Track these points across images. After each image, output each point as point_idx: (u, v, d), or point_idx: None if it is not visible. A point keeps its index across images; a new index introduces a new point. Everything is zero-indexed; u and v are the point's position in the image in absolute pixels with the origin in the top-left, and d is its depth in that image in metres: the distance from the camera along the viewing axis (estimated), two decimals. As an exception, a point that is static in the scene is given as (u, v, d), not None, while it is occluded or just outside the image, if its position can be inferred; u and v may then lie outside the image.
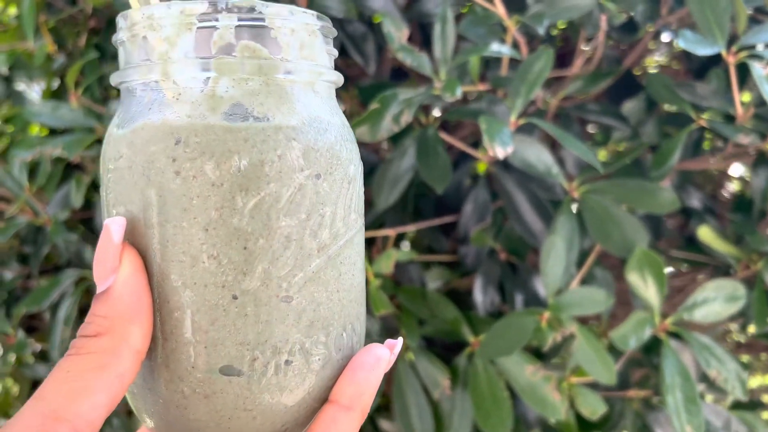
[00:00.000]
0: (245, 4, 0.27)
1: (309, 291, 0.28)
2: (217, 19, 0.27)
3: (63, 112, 0.69)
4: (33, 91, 0.95)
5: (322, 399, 0.29)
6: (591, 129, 0.87)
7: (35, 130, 0.93)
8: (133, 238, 0.28)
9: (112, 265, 0.27)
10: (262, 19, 0.27)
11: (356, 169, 0.30)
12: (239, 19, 0.27)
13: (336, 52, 0.31)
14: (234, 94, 0.27)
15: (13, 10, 0.94)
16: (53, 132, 0.84)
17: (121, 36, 0.29)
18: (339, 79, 0.31)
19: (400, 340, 0.31)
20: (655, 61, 0.97)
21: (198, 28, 0.27)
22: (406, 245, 0.79)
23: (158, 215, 0.27)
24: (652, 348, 0.67)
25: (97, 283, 0.27)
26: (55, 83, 0.92)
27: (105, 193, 0.30)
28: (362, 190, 0.32)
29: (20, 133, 0.85)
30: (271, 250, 0.27)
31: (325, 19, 0.30)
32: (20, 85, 0.92)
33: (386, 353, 0.30)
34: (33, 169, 0.77)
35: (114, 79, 0.30)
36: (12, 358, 0.91)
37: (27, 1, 0.75)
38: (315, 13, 0.29)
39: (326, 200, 0.28)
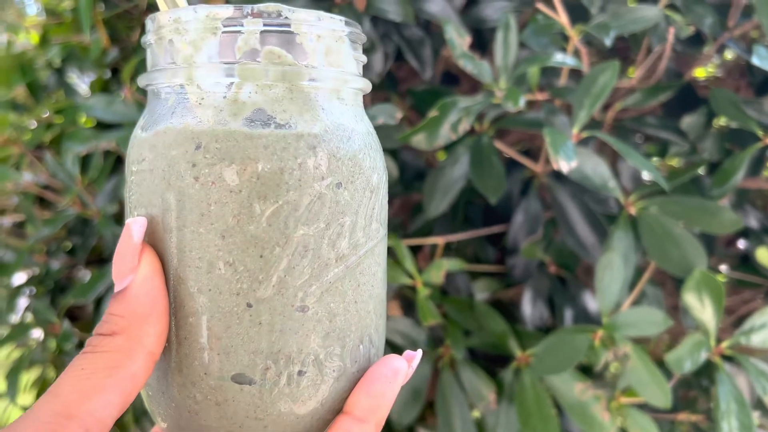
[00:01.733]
0: (271, 9, 0.27)
1: (325, 301, 0.28)
2: (242, 24, 0.27)
3: (117, 107, 0.69)
4: (82, 82, 0.96)
5: (336, 410, 0.29)
6: (638, 139, 0.85)
7: (84, 121, 0.94)
8: (153, 241, 0.28)
9: (130, 265, 0.27)
10: (288, 25, 0.27)
11: (380, 178, 0.30)
12: (264, 25, 0.27)
13: (365, 59, 0.31)
14: (257, 100, 0.27)
15: (67, 3, 0.95)
16: (100, 124, 0.85)
17: (148, 38, 0.29)
18: (366, 85, 0.30)
19: (419, 352, 0.30)
20: (708, 72, 0.94)
21: (223, 32, 0.27)
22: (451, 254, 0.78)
23: (176, 220, 0.27)
24: (703, 370, 0.65)
25: (115, 282, 0.27)
26: (106, 76, 0.93)
27: (128, 195, 0.30)
28: (386, 199, 0.31)
29: (70, 125, 0.86)
30: (288, 259, 0.26)
31: (354, 25, 0.29)
32: (70, 76, 0.93)
33: (404, 365, 0.29)
34: (83, 162, 0.78)
35: (141, 81, 0.29)
36: (52, 345, 0.92)
37: (84, -5, 0.75)
38: (343, 19, 0.28)
39: (347, 209, 0.28)
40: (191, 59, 0.27)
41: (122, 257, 0.27)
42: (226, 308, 0.27)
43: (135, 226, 0.27)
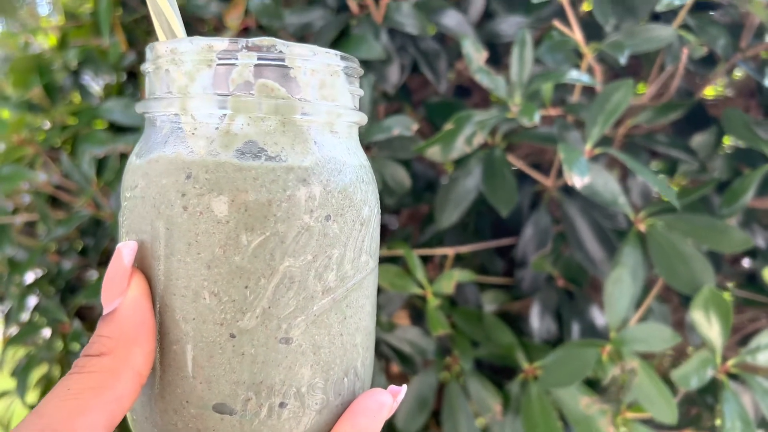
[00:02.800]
0: (266, 43, 0.27)
1: (310, 333, 0.28)
2: (236, 57, 0.27)
3: (134, 111, 0.70)
4: (96, 84, 0.97)
5: None
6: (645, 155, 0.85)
7: (100, 123, 0.95)
8: (143, 267, 0.28)
9: (120, 288, 0.27)
10: (282, 59, 0.27)
11: (371, 210, 0.30)
12: (259, 58, 0.27)
13: (361, 92, 0.31)
14: (249, 132, 0.27)
15: (86, 7, 0.96)
16: (113, 126, 0.85)
17: (146, 67, 0.30)
18: (361, 119, 0.31)
19: (404, 388, 0.30)
20: (718, 91, 0.95)
21: (218, 64, 0.27)
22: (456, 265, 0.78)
23: (165, 248, 0.27)
24: (708, 388, 0.66)
25: (104, 304, 0.27)
26: (122, 79, 0.94)
27: (121, 219, 0.30)
28: (378, 231, 0.31)
29: (85, 127, 0.87)
30: (273, 291, 0.27)
31: (350, 60, 0.29)
32: (86, 79, 0.94)
33: (389, 400, 0.29)
34: (98, 164, 0.79)
35: (138, 109, 0.30)
36: (59, 344, 0.93)
37: (104, 0, 0.77)
38: (339, 53, 0.29)
39: (335, 242, 0.28)
40: (186, 89, 0.28)
41: (112, 280, 0.27)
42: (209, 338, 0.27)
43: (126, 250, 0.27)
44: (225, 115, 0.27)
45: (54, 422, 0.24)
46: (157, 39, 0.31)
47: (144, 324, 0.27)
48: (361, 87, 0.32)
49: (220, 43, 0.27)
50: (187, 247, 0.27)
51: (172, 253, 0.27)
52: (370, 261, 0.30)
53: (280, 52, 0.27)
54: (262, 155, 0.27)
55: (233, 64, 0.27)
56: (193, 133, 0.27)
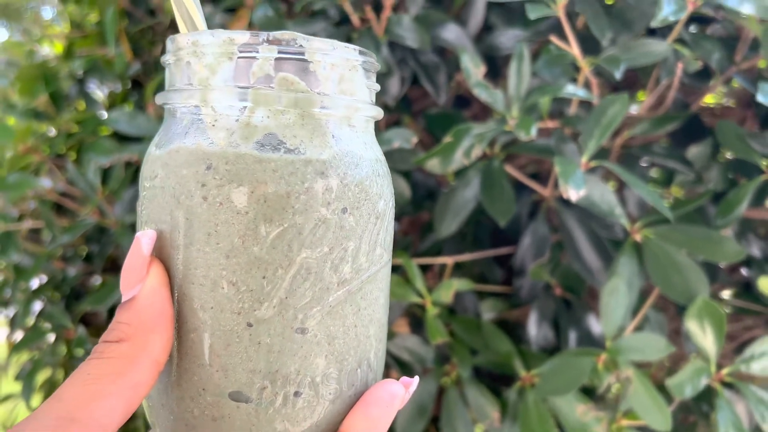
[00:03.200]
0: (287, 36, 0.27)
1: (325, 324, 0.28)
2: (257, 51, 0.27)
3: (140, 121, 0.71)
4: (101, 93, 0.99)
5: None
6: (644, 162, 0.87)
7: (105, 131, 0.97)
8: (161, 256, 0.28)
9: (139, 276, 0.27)
10: (302, 53, 0.28)
11: (386, 204, 0.30)
12: (279, 52, 0.27)
13: (378, 87, 0.31)
14: (268, 125, 0.27)
15: (93, 17, 0.98)
16: (118, 135, 0.87)
17: (167, 58, 0.30)
18: (378, 113, 0.31)
19: (416, 379, 0.31)
20: (714, 102, 0.96)
21: (239, 57, 0.27)
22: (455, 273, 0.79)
23: (184, 237, 0.28)
24: (703, 396, 0.67)
25: (123, 292, 0.28)
26: (127, 87, 0.95)
27: (140, 209, 0.30)
28: (392, 225, 0.31)
29: (90, 135, 0.88)
30: (290, 281, 0.27)
31: (368, 54, 0.30)
32: (90, 87, 0.96)
33: (401, 390, 0.30)
34: (104, 172, 0.80)
35: (158, 100, 0.30)
36: (63, 349, 0.94)
37: (110, 11, 0.78)
38: (358, 48, 0.29)
39: (351, 235, 0.28)
40: (207, 82, 0.28)
41: (131, 268, 0.28)
42: (227, 326, 0.27)
43: (144, 239, 0.28)
44: (245, 107, 0.27)
45: (72, 406, 0.24)
46: (178, 31, 0.31)
47: (162, 312, 0.27)
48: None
49: (242, 36, 0.27)
50: (206, 237, 0.27)
51: (191, 242, 0.27)
52: (384, 254, 0.31)
53: (300, 46, 0.27)
54: (281, 148, 0.27)
55: (254, 57, 0.27)
56: (213, 125, 0.28)
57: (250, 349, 0.27)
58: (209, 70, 0.28)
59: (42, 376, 1.04)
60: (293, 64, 0.28)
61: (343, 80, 0.29)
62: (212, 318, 0.27)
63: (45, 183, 0.84)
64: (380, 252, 0.30)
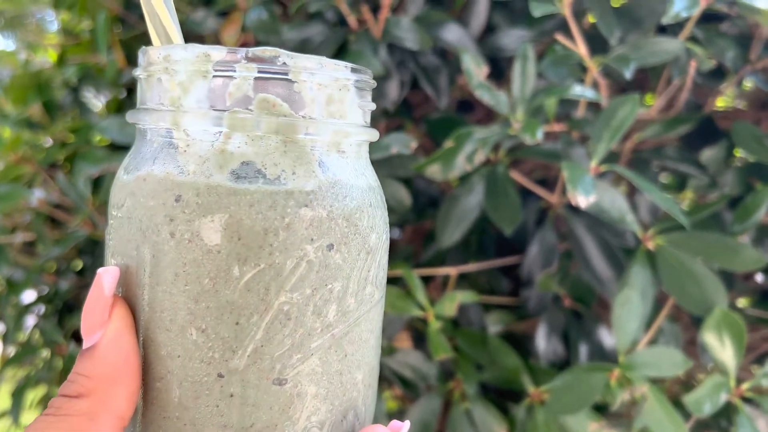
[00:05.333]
0: (269, 54, 0.25)
1: (306, 373, 0.25)
2: (234, 69, 0.24)
3: (131, 129, 0.69)
4: (98, 101, 0.97)
5: None
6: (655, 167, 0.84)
7: (98, 139, 0.94)
8: (127, 294, 0.26)
9: (100, 319, 0.25)
10: (286, 72, 0.25)
11: (378, 237, 0.27)
12: (260, 71, 0.24)
13: (373, 106, 0.28)
14: (246, 152, 0.25)
15: (85, 24, 0.96)
16: (114, 144, 0.85)
17: (138, 73, 0.27)
18: (372, 136, 0.28)
19: (407, 424, 0.28)
20: (726, 102, 0.93)
21: (214, 76, 0.25)
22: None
23: (150, 277, 0.25)
24: (722, 411, 0.63)
25: (83, 337, 0.25)
26: (121, 95, 0.93)
27: (108, 239, 0.28)
28: (385, 258, 0.28)
29: (84, 145, 0.86)
30: (266, 328, 0.24)
31: (362, 72, 0.27)
32: (86, 96, 0.94)
33: None
34: (96, 183, 0.78)
35: (129, 118, 0.27)
36: (59, 364, 0.92)
37: (102, 17, 0.76)
38: (350, 65, 0.26)
39: (337, 274, 0.25)
40: (179, 102, 0.25)
41: (92, 310, 0.25)
42: (195, 377, 0.25)
43: (106, 277, 0.25)
44: (221, 132, 0.25)
45: None
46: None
47: (126, 361, 0.25)
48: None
49: (218, 52, 0.25)
50: (173, 277, 0.24)
51: (157, 282, 0.25)
52: (376, 292, 0.28)
53: (284, 64, 0.25)
54: (259, 178, 0.24)
55: (231, 77, 0.24)
56: (185, 151, 0.25)
57: (221, 402, 0.25)
58: (182, 89, 0.25)
59: (38, 392, 1.01)
60: (275, 84, 0.25)
61: (332, 102, 0.26)
62: (180, 367, 0.25)
63: (37, 194, 0.82)
64: (371, 291, 0.27)
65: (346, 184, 0.26)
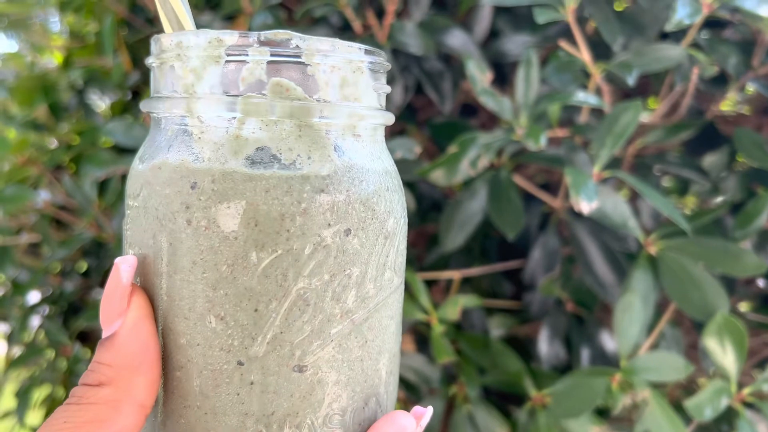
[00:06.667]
0: (281, 36, 0.24)
1: (327, 360, 0.25)
2: (247, 53, 0.24)
3: (136, 132, 0.69)
4: (103, 103, 0.97)
5: None
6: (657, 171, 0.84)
7: (103, 141, 0.95)
8: (145, 283, 0.26)
9: (119, 309, 0.25)
10: (298, 55, 0.24)
11: (396, 221, 0.27)
12: (272, 54, 0.24)
13: (388, 89, 0.28)
14: (261, 137, 0.24)
15: (91, 27, 0.96)
16: (119, 146, 0.85)
17: (151, 61, 0.27)
18: (388, 119, 0.28)
19: (430, 409, 0.28)
20: (729, 108, 0.93)
21: (226, 61, 0.24)
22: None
23: (167, 265, 0.25)
24: (723, 417, 0.64)
25: (102, 327, 0.25)
26: (127, 98, 0.94)
27: (124, 229, 0.28)
28: (404, 244, 0.28)
29: (90, 147, 0.86)
30: (285, 314, 0.24)
31: (376, 54, 0.27)
32: (92, 98, 0.94)
33: (411, 424, 0.26)
34: (101, 185, 0.79)
35: (143, 107, 0.27)
36: (63, 365, 0.92)
37: (108, 21, 0.76)
38: (363, 47, 0.26)
39: (355, 259, 0.25)
40: (192, 89, 0.25)
41: (110, 300, 0.25)
42: (215, 365, 0.25)
43: (124, 266, 0.25)
44: (234, 118, 0.24)
45: None
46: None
47: (146, 350, 0.25)
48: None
49: (230, 36, 0.25)
50: (191, 265, 0.24)
51: (175, 271, 0.25)
52: (395, 278, 0.27)
53: (297, 46, 0.24)
54: (275, 163, 0.24)
55: (244, 61, 0.24)
56: (200, 138, 0.25)
57: (242, 390, 0.25)
58: (195, 76, 0.25)
59: (44, 392, 1.02)
60: (288, 67, 0.24)
61: (347, 84, 0.25)
62: (200, 355, 0.25)
63: (43, 196, 0.83)
64: (390, 276, 0.27)
65: (363, 168, 0.26)
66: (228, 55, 0.24)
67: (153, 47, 0.27)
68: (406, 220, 0.29)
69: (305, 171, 0.24)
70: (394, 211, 0.27)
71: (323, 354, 0.25)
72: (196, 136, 0.25)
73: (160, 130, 0.27)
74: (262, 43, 0.24)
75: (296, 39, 0.25)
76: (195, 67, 0.25)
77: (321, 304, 0.25)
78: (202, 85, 0.25)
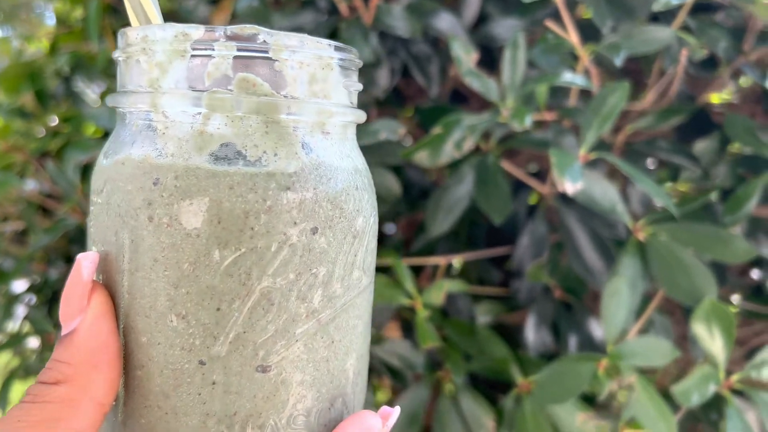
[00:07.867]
0: (248, 31, 0.24)
1: (291, 360, 0.25)
2: (213, 48, 0.24)
3: (120, 116, 0.68)
4: (91, 91, 0.96)
5: None
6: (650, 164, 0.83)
7: (90, 130, 0.94)
8: (107, 281, 0.25)
9: (79, 306, 0.24)
10: (266, 50, 0.24)
11: (366, 221, 0.27)
12: (239, 49, 0.24)
13: (359, 86, 0.27)
14: (226, 133, 0.24)
15: (78, 13, 0.95)
16: (107, 134, 0.84)
17: (117, 55, 0.27)
18: (358, 117, 0.27)
19: (397, 410, 0.27)
20: (722, 98, 0.92)
21: (192, 55, 0.24)
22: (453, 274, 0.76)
23: (129, 262, 0.24)
24: (711, 404, 0.63)
25: (62, 324, 0.25)
26: (114, 84, 0.93)
27: (89, 226, 0.27)
28: (374, 243, 0.28)
29: (76, 134, 0.85)
30: (248, 314, 0.24)
31: (346, 50, 0.26)
32: (79, 85, 0.93)
33: (377, 424, 0.26)
34: (85, 170, 0.78)
35: (109, 102, 0.27)
36: (48, 354, 0.91)
37: (93, 5, 0.76)
38: (333, 43, 0.26)
39: (322, 258, 0.25)
40: (157, 83, 0.25)
41: (70, 296, 0.25)
42: (176, 364, 0.24)
43: (85, 263, 0.25)
44: (200, 113, 0.24)
45: None
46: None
47: (106, 348, 0.24)
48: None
49: (196, 30, 0.24)
50: (152, 263, 0.24)
51: (136, 268, 0.24)
52: (364, 277, 0.27)
53: (264, 42, 0.24)
54: (239, 159, 0.24)
55: (210, 56, 0.24)
56: (164, 133, 0.24)
57: (204, 390, 0.24)
58: (160, 70, 0.25)
59: (29, 383, 1.01)
60: (256, 62, 0.24)
61: (315, 81, 0.25)
62: (161, 354, 0.24)
63: (28, 183, 0.82)
64: (358, 275, 0.27)
65: (331, 165, 0.25)
66: (194, 49, 0.24)
67: (119, 41, 0.27)
68: (377, 219, 0.28)
69: (271, 168, 0.24)
70: (364, 209, 0.27)
71: (288, 354, 0.25)
72: (160, 132, 0.25)
73: (125, 125, 0.26)
74: (228, 38, 0.24)
75: (264, 34, 0.24)
76: (160, 62, 0.25)
77: (286, 303, 0.24)
78: (168, 79, 0.25)
